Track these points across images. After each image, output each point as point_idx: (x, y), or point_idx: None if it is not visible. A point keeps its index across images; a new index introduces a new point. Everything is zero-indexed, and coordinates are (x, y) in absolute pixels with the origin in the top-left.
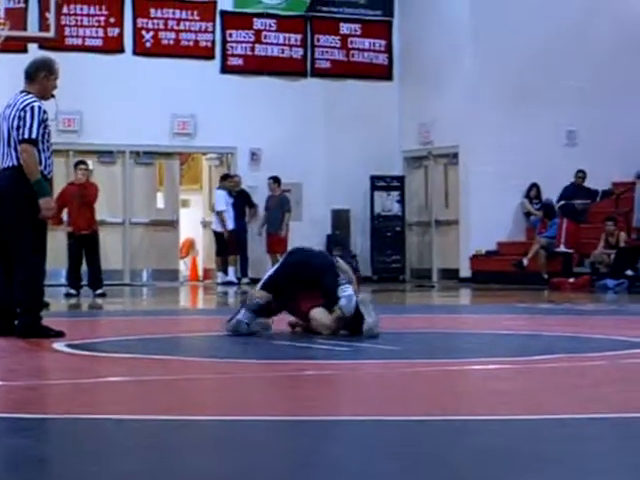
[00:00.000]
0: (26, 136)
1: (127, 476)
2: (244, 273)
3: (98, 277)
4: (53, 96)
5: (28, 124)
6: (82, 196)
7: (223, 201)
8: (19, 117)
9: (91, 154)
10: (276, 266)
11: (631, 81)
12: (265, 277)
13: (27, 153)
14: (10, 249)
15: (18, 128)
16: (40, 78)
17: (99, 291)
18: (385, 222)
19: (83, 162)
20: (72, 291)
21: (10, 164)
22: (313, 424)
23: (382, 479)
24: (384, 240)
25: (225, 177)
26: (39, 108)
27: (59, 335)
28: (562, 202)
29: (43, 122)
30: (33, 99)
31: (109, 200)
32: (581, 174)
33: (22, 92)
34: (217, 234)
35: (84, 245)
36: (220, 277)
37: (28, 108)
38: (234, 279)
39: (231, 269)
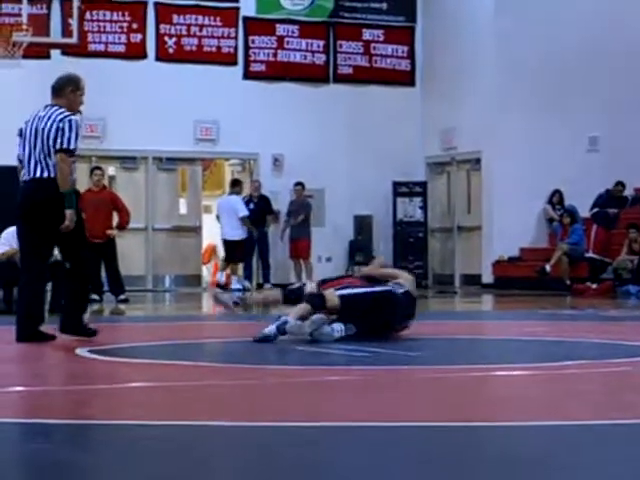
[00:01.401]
0: (65, 146)
1: None
2: (266, 279)
3: (119, 282)
4: (80, 112)
5: (67, 135)
6: (97, 203)
7: (244, 207)
8: (57, 128)
9: (114, 160)
10: (365, 289)
11: None
12: (349, 291)
13: (65, 162)
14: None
15: (56, 139)
16: (67, 93)
17: (122, 297)
18: (407, 228)
19: (99, 168)
20: (94, 297)
21: (44, 175)
22: (332, 430)
23: None
24: (406, 246)
25: (236, 183)
26: (76, 122)
27: (53, 338)
28: (596, 209)
29: (78, 136)
30: (68, 112)
31: (132, 206)
32: (620, 186)
33: (53, 106)
34: (230, 242)
35: (100, 252)
36: (234, 284)
37: (66, 120)
38: (241, 286)
39: (236, 277)
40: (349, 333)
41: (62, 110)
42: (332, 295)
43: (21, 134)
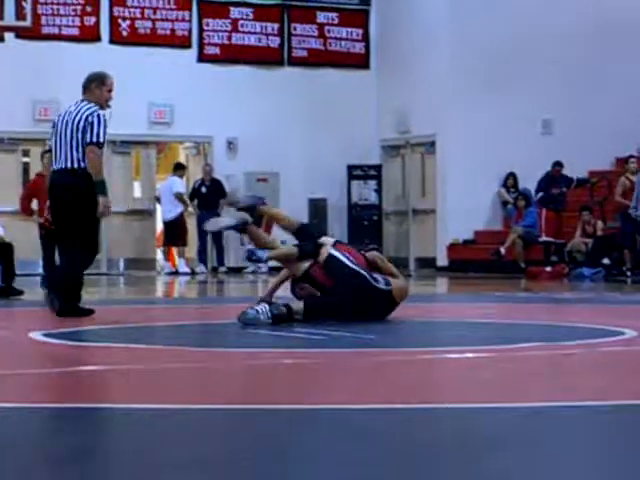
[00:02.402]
0: (94, 140)
1: (98, 465)
2: (221, 263)
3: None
4: (108, 106)
5: (96, 130)
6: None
7: (182, 185)
8: (86, 123)
9: None
10: (355, 266)
11: (606, 69)
12: (340, 256)
13: (95, 154)
14: (64, 239)
15: (85, 132)
16: (93, 88)
17: None
18: (362, 211)
19: (49, 151)
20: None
21: (71, 165)
22: (284, 413)
23: (358, 467)
24: (361, 229)
25: (178, 166)
26: (103, 116)
27: (91, 312)
28: (540, 194)
29: (105, 129)
30: (97, 107)
31: None
32: (558, 167)
33: (82, 101)
34: (168, 223)
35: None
36: (167, 268)
37: (95, 115)
38: (188, 269)
39: (182, 260)
40: (275, 313)
41: (90, 105)
42: (325, 250)
43: (54, 126)
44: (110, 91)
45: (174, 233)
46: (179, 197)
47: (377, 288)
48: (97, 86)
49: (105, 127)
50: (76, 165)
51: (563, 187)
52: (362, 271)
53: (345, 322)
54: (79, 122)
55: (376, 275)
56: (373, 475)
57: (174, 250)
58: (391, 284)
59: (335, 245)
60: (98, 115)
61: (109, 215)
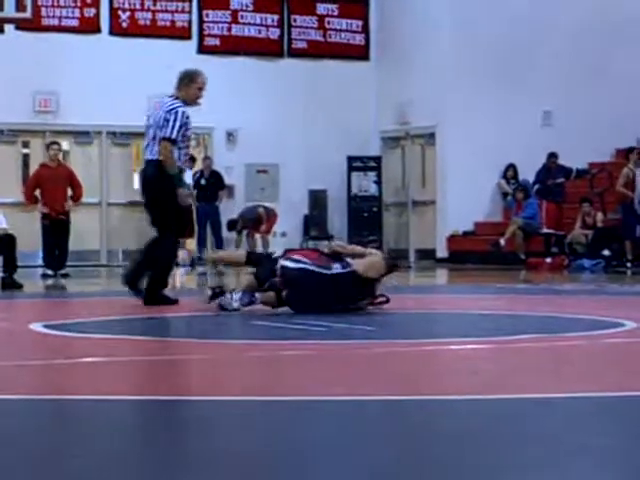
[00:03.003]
0: (167, 135)
1: (94, 456)
2: None
3: (65, 257)
4: (197, 104)
5: (171, 125)
6: (56, 178)
7: (190, 178)
8: (165, 118)
9: (67, 135)
10: (304, 266)
11: (606, 61)
12: (291, 265)
13: (165, 150)
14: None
15: (162, 127)
16: (182, 85)
17: (62, 271)
18: (362, 203)
19: (56, 143)
20: (49, 272)
21: (153, 157)
22: (284, 404)
23: (355, 459)
24: (361, 221)
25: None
26: (182, 113)
27: (176, 302)
28: (537, 186)
29: (184, 125)
30: (178, 104)
31: (86, 181)
32: (553, 158)
33: (170, 96)
34: None
35: (60, 227)
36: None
37: (173, 111)
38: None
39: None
40: (246, 301)
41: (174, 102)
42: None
43: (148, 119)
44: (200, 89)
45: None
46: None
47: (329, 275)
48: (187, 84)
49: (182, 123)
50: (156, 157)
51: (560, 178)
52: (310, 267)
53: (330, 313)
54: (160, 117)
55: (333, 264)
56: (375, 470)
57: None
58: (351, 265)
59: (285, 254)
60: (176, 112)
61: (186, 204)
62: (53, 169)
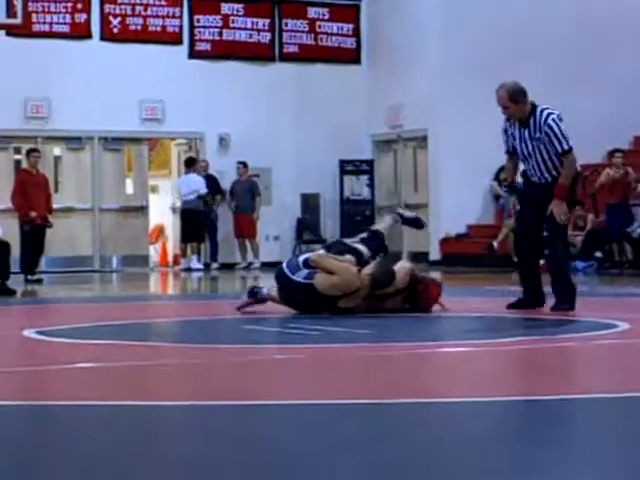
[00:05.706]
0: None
1: (85, 462)
2: (214, 258)
3: (37, 262)
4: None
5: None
6: (37, 184)
7: (202, 184)
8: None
9: (59, 140)
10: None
11: (596, 65)
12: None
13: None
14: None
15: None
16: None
17: (35, 277)
18: (354, 206)
19: (36, 150)
20: (38, 277)
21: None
22: (278, 408)
23: (352, 462)
24: (353, 224)
25: (193, 161)
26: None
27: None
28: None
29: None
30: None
31: (78, 186)
32: None
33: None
34: (189, 219)
35: (39, 233)
36: (194, 263)
37: (551, 121)
38: (201, 265)
39: (195, 256)
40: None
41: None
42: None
43: None
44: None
45: (193, 229)
46: (204, 198)
47: (292, 280)
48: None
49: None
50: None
51: None
52: (284, 270)
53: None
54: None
55: (302, 271)
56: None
57: (189, 247)
58: (313, 278)
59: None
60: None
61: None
62: (34, 176)
